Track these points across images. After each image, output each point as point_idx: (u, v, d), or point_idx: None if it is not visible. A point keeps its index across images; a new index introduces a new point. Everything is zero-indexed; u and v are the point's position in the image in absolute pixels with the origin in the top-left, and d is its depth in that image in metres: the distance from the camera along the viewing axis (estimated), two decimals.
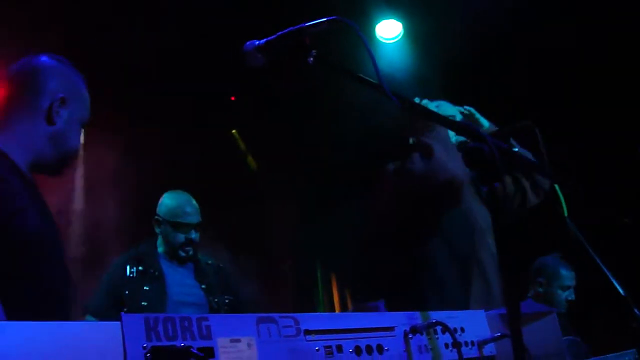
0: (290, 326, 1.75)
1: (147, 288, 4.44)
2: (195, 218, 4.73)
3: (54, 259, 2.49)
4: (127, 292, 4.42)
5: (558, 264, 5.92)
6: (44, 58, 2.72)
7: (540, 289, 5.98)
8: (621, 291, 3.14)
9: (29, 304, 2.21)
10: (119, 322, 1.47)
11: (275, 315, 1.73)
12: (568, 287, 5.92)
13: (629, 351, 3.63)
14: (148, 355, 1.46)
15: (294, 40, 2.15)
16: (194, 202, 4.80)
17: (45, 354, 1.35)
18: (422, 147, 3.60)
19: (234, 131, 9.68)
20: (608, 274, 3.28)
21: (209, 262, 4.88)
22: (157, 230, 4.77)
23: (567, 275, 5.91)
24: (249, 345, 1.63)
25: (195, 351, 1.45)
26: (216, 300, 4.60)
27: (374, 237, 3.85)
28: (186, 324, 1.55)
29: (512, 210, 3.72)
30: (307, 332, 1.77)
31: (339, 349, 1.81)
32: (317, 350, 1.77)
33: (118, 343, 1.45)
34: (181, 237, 4.67)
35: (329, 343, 1.80)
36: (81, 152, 8.76)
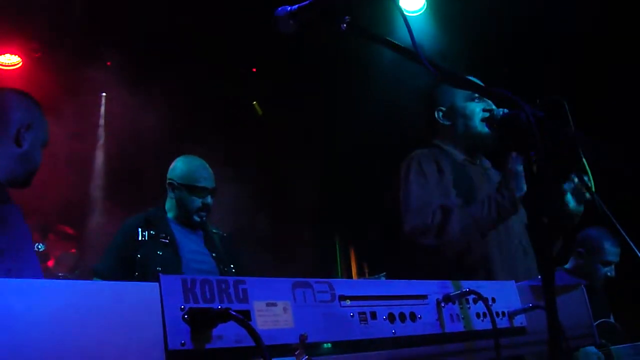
0: (326, 291, 1.74)
1: (161, 253, 4.35)
2: (211, 182, 4.66)
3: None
4: (139, 256, 4.32)
5: (603, 237, 5.61)
6: (9, 93, 3.18)
7: (581, 260, 5.73)
8: None
9: None
10: (157, 283, 1.47)
11: (310, 280, 1.72)
12: (609, 263, 5.61)
13: None
14: (186, 316, 1.46)
15: (326, 6, 2.13)
16: (208, 167, 4.73)
17: (84, 312, 1.36)
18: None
19: (254, 102, 9.68)
20: (636, 250, 3.25)
21: (214, 230, 4.82)
22: (172, 194, 4.67)
23: (611, 251, 5.60)
24: (284, 309, 1.63)
25: (234, 313, 1.44)
26: (225, 269, 4.55)
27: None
28: (223, 286, 1.55)
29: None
30: (342, 297, 1.76)
31: (373, 315, 1.81)
32: (352, 316, 1.76)
33: (156, 304, 1.45)
34: (198, 202, 4.58)
35: (363, 309, 1.80)
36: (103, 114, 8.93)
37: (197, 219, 4.60)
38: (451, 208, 3.44)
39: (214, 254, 4.58)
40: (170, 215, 4.66)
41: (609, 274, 5.60)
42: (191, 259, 4.45)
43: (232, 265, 4.62)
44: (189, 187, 4.60)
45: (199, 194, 4.59)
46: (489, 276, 3.41)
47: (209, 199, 4.63)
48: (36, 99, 3.30)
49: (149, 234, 4.41)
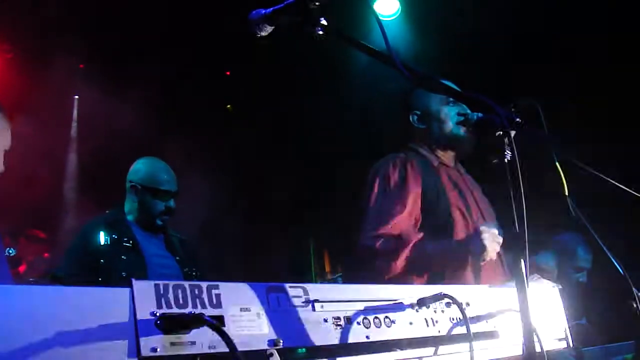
0: (300, 296, 1.73)
1: (125, 257, 4.21)
2: (174, 186, 4.55)
3: None
4: (102, 261, 4.16)
5: (577, 243, 5.63)
6: None
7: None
8: (621, 271, 3.12)
9: None
10: (128, 288, 1.45)
11: (285, 284, 1.71)
12: (581, 269, 5.66)
13: (628, 342, 3.63)
14: (158, 322, 1.44)
15: (301, 9, 2.12)
16: (170, 169, 4.61)
17: (54, 318, 1.34)
18: None
19: (228, 106, 9.67)
20: (608, 253, 3.27)
21: (173, 233, 4.69)
22: (133, 197, 4.52)
23: (583, 257, 5.63)
24: (258, 314, 1.62)
25: (207, 319, 1.42)
26: (189, 272, 4.46)
27: None
28: (196, 291, 1.54)
29: None
30: (316, 302, 1.76)
31: (347, 320, 1.80)
32: (326, 320, 1.76)
33: (127, 309, 1.43)
34: (161, 205, 4.47)
35: (337, 314, 1.79)
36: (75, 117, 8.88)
37: (159, 222, 4.50)
38: (407, 239, 3.43)
39: (177, 258, 4.50)
40: (130, 218, 4.53)
41: (580, 279, 5.62)
42: (156, 263, 4.36)
43: (193, 269, 4.55)
44: (152, 190, 4.48)
45: (162, 198, 4.49)
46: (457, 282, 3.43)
47: (171, 203, 4.53)
48: None
49: (111, 238, 4.27)
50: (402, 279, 3.35)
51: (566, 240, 5.69)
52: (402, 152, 3.82)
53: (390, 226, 3.44)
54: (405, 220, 3.49)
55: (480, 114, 3.32)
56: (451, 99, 3.76)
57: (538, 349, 1.94)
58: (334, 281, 4.92)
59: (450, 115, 3.76)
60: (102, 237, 4.26)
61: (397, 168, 3.64)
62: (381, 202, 3.54)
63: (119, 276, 4.09)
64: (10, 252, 6.66)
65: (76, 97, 9.05)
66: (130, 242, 4.31)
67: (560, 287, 2.82)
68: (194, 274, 4.50)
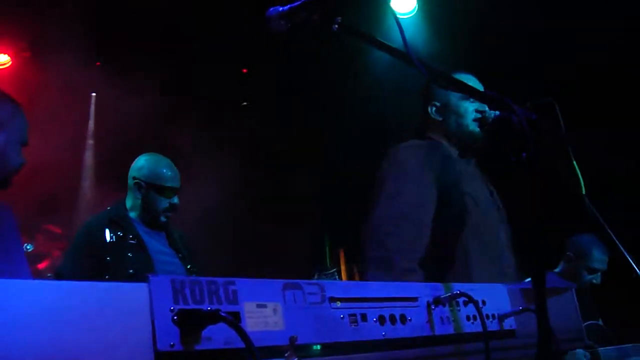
0: (316, 293, 1.73)
1: (131, 255, 4.21)
2: (177, 182, 4.55)
3: None
4: (108, 258, 4.17)
5: (592, 244, 5.65)
6: None
7: (568, 264, 5.78)
8: (639, 271, 3.11)
9: None
10: (146, 284, 1.46)
11: (301, 281, 1.71)
12: (595, 270, 5.68)
13: None
14: (175, 317, 1.45)
15: (318, 7, 2.13)
16: (174, 166, 4.62)
17: (73, 313, 1.34)
18: None
19: (245, 103, 9.69)
20: (625, 253, 3.25)
21: (174, 230, 4.70)
22: (137, 194, 4.52)
23: (598, 258, 5.65)
24: (274, 310, 1.62)
25: (224, 314, 1.43)
26: (191, 268, 4.48)
27: None
28: (213, 287, 1.54)
29: None
30: (332, 299, 1.76)
31: (363, 317, 1.80)
32: (342, 317, 1.76)
33: (145, 305, 1.44)
34: (165, 202, 4.48)
35: (353, 311, 1.79)
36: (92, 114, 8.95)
37: (163, 219, 4.51)
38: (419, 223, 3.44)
39: (179, 255, 4.52)
40: (132, 214, 4.53)
41: (594, 281, 5.62)
42: (161, 260, 4.37)
43: (194, 265, 4.55)
44: (156, 187, 4.48)
45: (166, 194, 4.50)
46: (467, 270, 3.41)
47: (175, 199, 4.53)
48: (11, 97, 3.25)
49: (116, 235, 4.27)
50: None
51: (581, 240, 5.70)
52: (419, 140, 3.82)
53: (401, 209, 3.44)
54: (416, 203, 3.47)
55: (497, 112, 3.33)
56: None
57: (554, 349, 1.94)
58: (332, 275, 4.91)
59: (468, 111, 3.75)
60: (107, 234, 4.26)
61: (413, 152, 3.65)
62: (396, 184, 3.53)
63: (126, 273, 4.11)
64: (28, 247, 6.70)
65: (93, 94, 9.09)
66: (135, 239, 4.31)
67: (575, 286, 2.83)
68: (194, 271, 4.51)
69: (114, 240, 4.25)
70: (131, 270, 4.13)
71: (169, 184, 4.50)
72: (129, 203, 4.58)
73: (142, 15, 7.19)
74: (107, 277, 4.06)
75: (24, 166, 3.18)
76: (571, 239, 5.76)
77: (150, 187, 4.49)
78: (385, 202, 3.48)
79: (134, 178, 4.54)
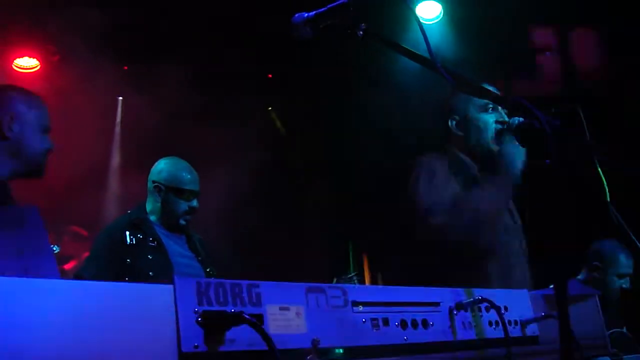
0: (339, 297, 1.75)
1: (151, 257, 4.24)
2: (196, 185, 4.57)
3: None
4: (129, 261, 4.19)
5: (617, 250, 5.62)
6: None
7: (596, 274, 5.71)
8: None
9: None
10: (171, 285, 1.48)
11: (324, 285, 1.73)
12: (624, 275, 5.64)
13: None
14: (199, 319, 1.47)
15: (343, 13, 2.14)
16: (193, 169, 4.63)
17: (99, 313, 1.37)
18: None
19: (270, 108, 9.72)
20: None
21: (193, 234, 4.71)
22: (156, 197, 4.54)
23: (625, 263, 5.62)
24: (297, 313, 1.64)
25: (247, 317, 1.45)
26: (210, 272, 4.50)
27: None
28: (237, 289, 1.56)
29: None
30: (355, 303, 1.77)
31: (385, 321, 1.82)
32: (364, 321, 1.77)
33: (170, 306, 1.46)
34: (184, 205, 4.49)
35: (375, 315, 1.80)
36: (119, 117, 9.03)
37: (182, 222, 4.52)
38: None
39: (199, 258, 4.54)
40: (152, 218, 4.55)
41: (624, 285, 5.60)
42: (181, 262, 4.38)
43: (213, 268, 4.57)
44: (175, 190, 4.50)
45: (186, 197, 4.51)
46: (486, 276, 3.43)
47: (195, 202, 4.54)
48: (25, 90, 3.39)
49: (136, 238, 4.29)
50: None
51: (607, 247, 5.68)
52: (440, 153, 3.84)
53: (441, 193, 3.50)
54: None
55: (520, 119, 3.33)
56: (490, 106, 3.73)
57: (577, 356, 1.94)
58: (351, 280, 4.93)
59: (488, 124, 3.74)
60: (128, 237, 4.28)
61: (439, 162, 3.67)
62: (428, 190, 3.55)
63: (146, 276, 4.12)
64: (55, 249, 6.76)
65: (120, 98, 9.17)
66: (155, 242, 4.34)
67: (600, 293, 2.82)
68: (214, 274, 4.53)
69: (134, 242, 4.28)
70: (151, 273, 4.15)
71: (188, 187, 4.52)
72: (149, 206, 4.61)
73: (169, 19, 7.24)
74: (127, 279, 4.07)
75: (50, 151, 3.31)
76: (594, 248, 5.76)
77: (170, 190, 4.52)
78: (422, 200, 3.51)
79: (154, 181, 4.58)
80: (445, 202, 3.46)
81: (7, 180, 3.16)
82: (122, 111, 9.21)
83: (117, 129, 9.27)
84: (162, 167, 4.62)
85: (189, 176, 4.56)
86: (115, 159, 9.22)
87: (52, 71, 8.24)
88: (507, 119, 3.63)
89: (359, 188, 9.24)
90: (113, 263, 4.21)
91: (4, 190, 3.07)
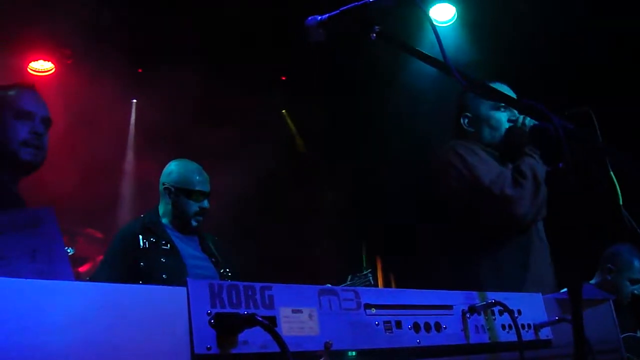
0: (351, 299, 1.75)
1: (164, 260, 4.26)
2: (206, 186, 4.59)
3: None
4: (142, 264, 4.22)
5: (633, 254, 5.65)
6: None
7: (609, 277, 5.71)
8: None
9: None
10: (184, 288, 1.48)
11: (336, 287, 1.73)
12: (638, 281, 5.65)
13: None
14: (212, 321, 1.47)
15: (357, 16, 2.14)
16: (203, 170, 4.66)
17: (113, 315, 1.38)
18: None
19: (283, 111, 9.73)
20: None
21: (207, 235, 4.74)
22: (167, 200, 4.58)
23: (639, 268, 5.65)
24: (310, 316, 1.64)
25: (260, 319, 1.45)
26: (224, 273, 4.50)
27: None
28: (250, 292, 1.56)
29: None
30: (367, 306, 1.77)
31: (398, 324, 1.81)
32: (377, 324, 1.77)
33: (183, 308, 1.47)
34: (195, 206, 4.51)
35: (388, 318, 1.80)
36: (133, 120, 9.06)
37: (194, 223, 4.54)
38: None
39: (212, 259, 4.54)
40: (164, 220, 4.57)
41: (636, 291, 5.59)
42: (194, 264, 4.40)
43: (228, 269, 4.58)
44: (185, 192, 4.53)
45: (195, 198, 4.53)
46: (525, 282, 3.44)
47: (205, 203, 4.56)
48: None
49: (149, 241, 4.32)
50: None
51: (621, 252, 5.67)
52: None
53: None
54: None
55: (533, 120, 3.33)
56: (502, 104, 3.74)
57: None
58: (365, 277, 4.93)
59: (501, 122, 3.75)
60: (141, 241, 4.30)
61: (465, 147, 3.68)
62: (477, 168, 3.55)
63: (160, 279, 4.15)
64: (70, 251, 6.79)
65: (134, 100, 9.21)
66: (168, 244, 4.36)
67: (614, 297, 2.81)
68: (229, 274, 4.54)
69: (147, 246, 4.30)
70: (164, 275, 4.18)
71: (197, 188, 4.55)
72: (161, 210, 4.64)
73: (184, 22, 7.27)
74: (140, 282, 4.10)
75: (26, 143, 3.08)
76: (609, 252, 5.75)
77: (180, 191, 4.54)
78: (485, 175, 3.52)
79: (164, 184, 4.62)
80: (507, 174, 3.49)
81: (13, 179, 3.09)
82: (136, 113, 9.25)
83: (131, 131, 9.30)
84: (171, 169, 4.66)
85: (198, 177, 4.59)
86: (130, 161, 9.26)
87: (66, 74, 8.28)
88: (519, 116, 3.65)
89: (375, 190, 9.24)
90: (126, 267, 4.23)
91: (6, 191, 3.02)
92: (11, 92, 3.16)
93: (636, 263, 5.63)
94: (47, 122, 3.22)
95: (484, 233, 3.53)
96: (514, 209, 3.43)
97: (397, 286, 9.35)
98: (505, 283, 3.27)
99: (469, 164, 3.55)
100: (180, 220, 4.56)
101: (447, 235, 3.69)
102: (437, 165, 3.73)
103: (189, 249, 4.49)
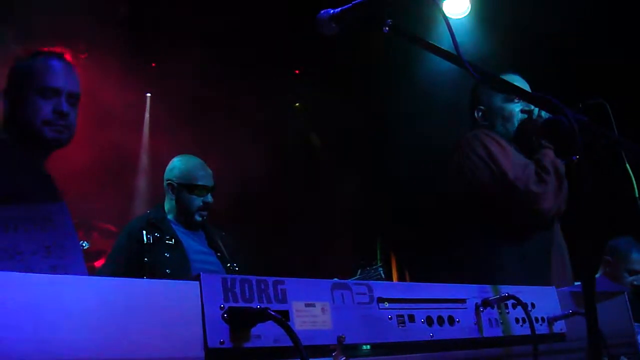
0: (364, 293, 1.75)
1: (168, 255, 4.29)
2: (210, 181, 4.62)
3: None
4: (146, 259, 4.27)
5: (631, 246, 5.69)
6: None
7: (608, 269, 5.75)
8: None
9: None
10: (197, 282, 1.49)
11: (349, 281, 1.73)
12: (636, 272, 5.67)
13: None
14: (225, 315, 1.48)
15: (369, 9, 2.14)
16: (206, 165, 4.69)
17: (126, 309, 1.38)
18: None
19: (297, 104, 9.73)
20: None
21: (213, 229, 4.76)
22: (171, 195, 4.63)
23: (637, 259, 5.66)
24: (323, 310, 1.64)
25: (273, 313, 1.45)
26: (230, 267, 4.52)
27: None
28: (262, 286, 1.57)
29: None
30: (380, 300, 1.77)
31: (411, 318, 1.81)
32: (390, 318, 1.77)
33: (196, 302, 1.47)
34: (198, 201, 4.54)
35: (401, 312, 1.80)
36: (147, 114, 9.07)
37: (198, 218, 4.58)
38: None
39: (218, 254, 4.57)
40: (170, 216, 4.62)
41: (635, 282, 5.61)
42: (198, 259, 4.43)
43: (235, 264, 4.59)
44: (188, 187, 4.56)
45: (198, 193, 4.56)
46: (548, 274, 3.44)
47: (209, 198, 4.59)
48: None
49: (154, 237, 4.36)
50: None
51: (619, 244, 5.72)
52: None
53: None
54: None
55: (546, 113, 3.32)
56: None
57: (604, 354, 1.92)
58: (375, 271, 4.94)
59: (514, 113, 3.74)
60: (145, 236, 4.34)
61: (490, 138, 3.67)
62: (502, 162, 3.54)
63: (164, 274, 4.19)
64: (84, 245, 6.82)
65: (148, 95, 9.23)
66: (173, 239, 4.39)
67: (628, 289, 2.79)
68: (236, 269, 4.55)
69: (152, 241, 4.34)
70: (168, 270, 4.22)
71: (200, 182, 4.58)
72: (166, 206, 4.69)
73: (198, 17, 7.28)
74: (145, 277, 4.13)
75: (49, 122, 2.95)
76: (609, 243, 5.81)
77: (183, 186, 4.58)
78: (512, 170, 3.52)
79: (167, 179, 4.67)
80: (531, 169, 3.49)
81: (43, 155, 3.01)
82: (151, 107, 9.27)
83: (146, 125, 9.33)
84: (174, 165, 4.71)
85: (201, 172, 4.63)
86: (144, 156, 9.28)
87: (80, 68, 8.29)
88: (532, 107, 3.63)
89: (390, 186, 9.23)
90: (131, 262, 4.28)
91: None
92: (37, 63, 3.05)
93: (634, 254, 5.69)
94: (75, 97, 3.09)
95: (509, 226, 3.53)
96: (538, 205, 3.42)
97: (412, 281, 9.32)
98: (530, 274, 3.26)
99: (494, 157, 3.55)
100: (185, 215, 4.60)
101: (469, 228, 3.69)
102: (460, 157, 3.71)
103: (194, 244, 4.52)
